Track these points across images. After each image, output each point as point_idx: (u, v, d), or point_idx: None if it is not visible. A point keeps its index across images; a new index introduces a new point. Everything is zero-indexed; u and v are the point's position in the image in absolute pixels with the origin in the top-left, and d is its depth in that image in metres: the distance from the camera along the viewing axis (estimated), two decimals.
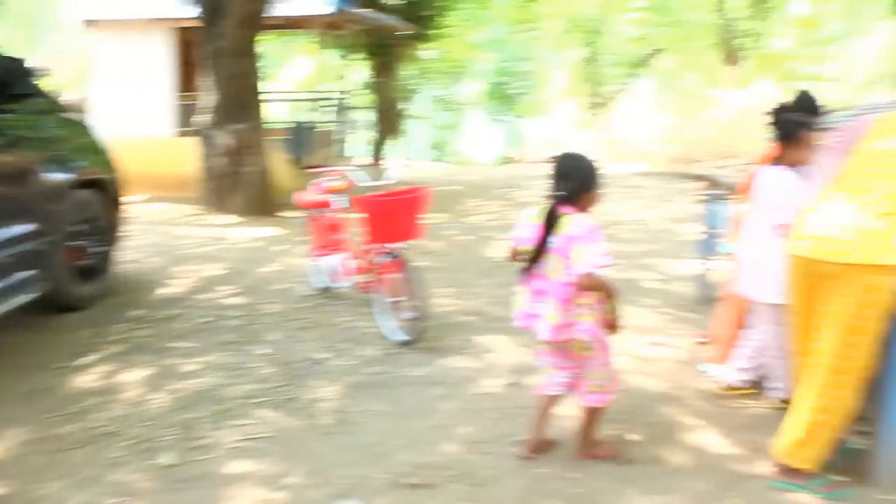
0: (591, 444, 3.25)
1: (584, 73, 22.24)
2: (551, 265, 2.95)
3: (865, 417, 3.05)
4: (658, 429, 3.54)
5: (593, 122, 18.89)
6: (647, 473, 3.15)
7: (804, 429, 2.92)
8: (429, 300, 5.40)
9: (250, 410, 3.71)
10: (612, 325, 3.05)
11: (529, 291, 3.07)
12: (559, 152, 3.13)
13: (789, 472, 2.99)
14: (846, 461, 3.07)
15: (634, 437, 3.46)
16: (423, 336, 4.55)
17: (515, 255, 3.13)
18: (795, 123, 3.51)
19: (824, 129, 3.57)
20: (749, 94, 15.50)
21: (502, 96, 26.94)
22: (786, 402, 3.63)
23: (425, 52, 18.89)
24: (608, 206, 9.94)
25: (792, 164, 3.48)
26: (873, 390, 2.95)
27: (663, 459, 3.27)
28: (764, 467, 3.16)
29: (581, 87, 22.57)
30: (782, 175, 3.47)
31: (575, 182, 2.97)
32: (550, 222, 2.94)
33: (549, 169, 3.02)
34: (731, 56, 17.04)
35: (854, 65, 18.79)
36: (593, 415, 3.21)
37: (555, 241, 2.93)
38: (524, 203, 10.37)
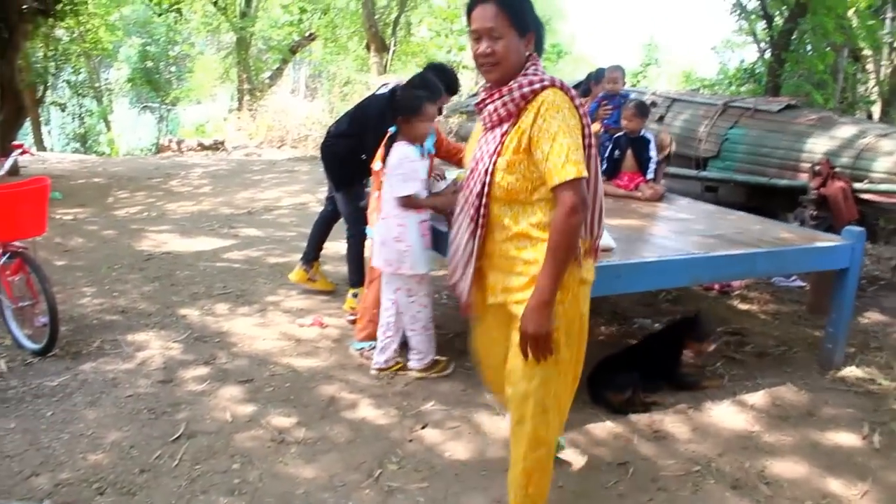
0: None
1: (237, 59, 21.71)
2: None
3: None
4: (317, 407, 3.60)
5: (249, 108, 18.57)
6: (310, 451, 3.21)
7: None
8: (66, 302, 4.92)
9: None
10: None
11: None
12: None
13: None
14: None
15: (293, 418, 3.49)
16: (58, 342, 4.15)
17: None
18: (414, 98, 3.74)
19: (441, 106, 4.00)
20: (396, 80, 16.29)
21: (151, 82, 25.31)
22: (424, 370, 3.90)
23: (59, 31, 17.03)
24: (265, 192, 9.89)
25: (412, 140, 3.71)
26: None
27: (325, 436, 3.33)
28: (419, 432, 3.36)
29: (235, 73, 22.02)
30: (404, 150, 3.68)
31: None
32: None
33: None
34: (378, 43, 17.77)
35: None
36: None
37: None
38: (177, 193, 9.90)
